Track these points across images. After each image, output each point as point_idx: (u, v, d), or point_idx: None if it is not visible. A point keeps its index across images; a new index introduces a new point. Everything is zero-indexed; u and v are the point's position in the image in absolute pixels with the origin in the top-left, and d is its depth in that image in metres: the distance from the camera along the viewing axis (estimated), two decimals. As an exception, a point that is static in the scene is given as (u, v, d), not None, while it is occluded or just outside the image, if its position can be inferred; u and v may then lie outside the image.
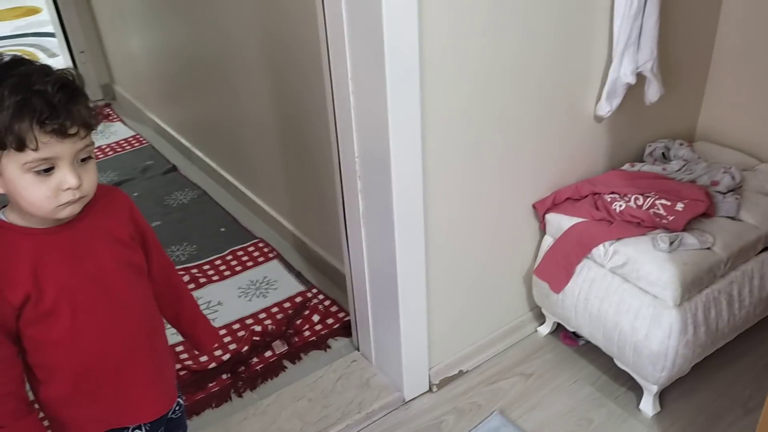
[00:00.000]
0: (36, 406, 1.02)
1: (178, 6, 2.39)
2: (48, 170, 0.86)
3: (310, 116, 1.80)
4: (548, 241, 1.62)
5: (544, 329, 1.77)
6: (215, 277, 2.09)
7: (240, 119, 2.26)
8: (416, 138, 1.30)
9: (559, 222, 1.57)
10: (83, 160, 0.89)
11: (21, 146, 0.82)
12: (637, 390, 1.54)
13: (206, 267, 2.13)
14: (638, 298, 1.43)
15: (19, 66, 0.88)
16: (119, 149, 2.93)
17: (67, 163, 0.87)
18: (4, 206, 0.96)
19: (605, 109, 1.56)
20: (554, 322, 1.74)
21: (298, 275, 2.08)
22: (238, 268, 2.13)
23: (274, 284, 2.04)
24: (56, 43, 4.31)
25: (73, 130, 0.85)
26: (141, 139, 3.03)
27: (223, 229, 2.34)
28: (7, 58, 0.90)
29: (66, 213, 0.90)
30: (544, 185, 1.61)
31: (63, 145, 0.85)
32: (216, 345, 1.24)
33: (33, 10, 5.27)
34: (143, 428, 1.08)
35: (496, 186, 1.52)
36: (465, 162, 1.43)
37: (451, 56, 1.29)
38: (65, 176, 0.87)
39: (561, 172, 1.62)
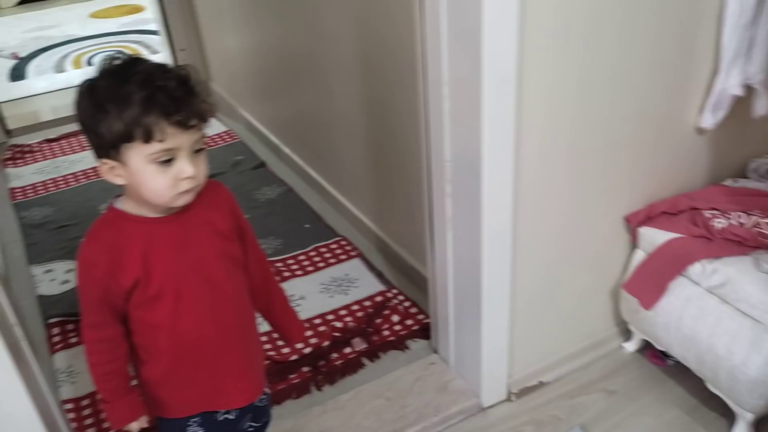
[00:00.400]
0: (136, 384, 1.09)
1: (276, 6, 2.47)
2: (168, 161, 0.91)
3: (401, 118, 1.82)
4: (640, 256, 1.56)
5: (631, 346, 1.71)
6: (299, 272, 2.15)
7: (330, 119, 2.31)
8: (510, 144, 1.29)
9: (653, 236, 1.52)
10: (197, 151, 0.94)
11: (148, 138, 0.88)
12: (730, 416, 1.47)
13: (290, 261, 2.19)
14: (737, 321, 1.36)
15: (138, 64, 0.94)
16: (212, 144, 3.05)
17: (186, 154, 0.92)
18: (118, 196, 1.02)
19: (709, 121, 1.49)
20: (641, 340, 1.68)
21: (379, 275, 2.10)
22: (320, 265, 2.18)
23: (356, 282, 2.07)
24: (157, 41, 4.54)
25: (192, 122, 0.90)
26: (233, 134, 3.15)
27: (307, 226, 2.40)
28: (125, 57, 0.95)
29: (182, 201, 0.95)
30: (638, 197, 1.55)
31: (184, 136, 0.90)
32: (304, 337, 1.28)
33: (137, 9, 5.57)
34: (232, 413, 1.13)
35: (588, 196, 1.48)
36: (558, 170, 1.41)
37: (549, 63, 1.27)
38: (184, 166, 0.92)
39: (657, 185, 1.57)
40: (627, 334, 1.72)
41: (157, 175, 0.91)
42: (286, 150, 2.80)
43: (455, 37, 1.22)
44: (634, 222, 1.55)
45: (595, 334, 1.70)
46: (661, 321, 1.51)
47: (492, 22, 1.14)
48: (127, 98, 0.87)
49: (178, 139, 0.90)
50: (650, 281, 1.50)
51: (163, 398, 1.08)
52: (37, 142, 3.21)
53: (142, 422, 1.08)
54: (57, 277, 2.18)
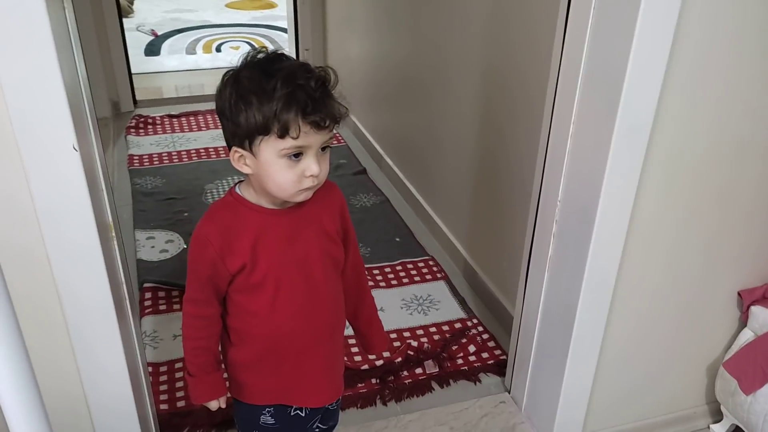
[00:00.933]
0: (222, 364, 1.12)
1: (403, 22, 2.51)
2: (297, 156, 0.93)
3: (516, 148, 1.79)
4: (747, 335, 1.46)
5: (719, 429, 1.60)
6: (382, 284, 2.15)
7: (437, 138, 2.32)
8: (630, 196, 1.24)
9: (766, 317, 1.41)
10: (323, 150, 0.96)
11: (284, 134, 0.90)
12: None
13: (376, 272, 2.20)
14: None
15: (282, 60, 0.96)
16: (318, 143, 3.13)
17: (314, 152, 0.93)
18: (240, 182, 1.06)
19: None
20: (732, 425, 1.56)
21: (462, 302, 2.07)
22: (405, 280, 2.18)
23: (437, 304, 2.06)
24: (283, 38, 4.73)
25: (326, 123, 0.92)
26: (339, 137, 3.22)
27: (398, 239, 2.40)
28: (270, 52, 0.98)
29: (302, 197, 0.97)
30: (755, 273, 1.45)
31: (316, 135, 0.92)
32: (384, 349, 1.28)
33: (270, 5, 5.83)
34: (304, 411, 1.14)
35: (701, 263, 1.40)
36: (673, 232, 1.34)
37: (684, 121, 1.22)
38: (310, 164, 0.93)
39: (780, 264, 1.46)
40: (717, 416, 1.61)
41: (285, 169, 0.93)
42: (388, 160, 2.83)
43: (592, 76, 1.19)
44: (747, 299, 1.45)
45: (682, 408, 1.60)
46: (759, 409, 1.40)
47: (637, 69, 1.10)
48: (270, 93, 0.89)
49: (311, 137, 0.91)
50: (755, 364, 1.40)
51: (244, 382, 1.11)
52: (159, 116, 3.41)
53: (222, 402, 1.10)
54: (157, 245, 2.29)
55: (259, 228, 1.01)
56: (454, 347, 1.87)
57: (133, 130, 3.25)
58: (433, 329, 1.95)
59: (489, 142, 1.96)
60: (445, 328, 1.96)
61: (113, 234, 1.17)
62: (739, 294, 1.47)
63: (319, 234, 1.06)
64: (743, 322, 1.49)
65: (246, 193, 1.02)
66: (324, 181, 1.01)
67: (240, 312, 1.05)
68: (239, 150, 0.95)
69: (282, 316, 1.03)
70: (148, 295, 2.04)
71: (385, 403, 1.69)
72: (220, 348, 1.10)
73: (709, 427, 1.62)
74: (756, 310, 1.44)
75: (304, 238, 1.04)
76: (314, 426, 1.21)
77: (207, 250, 0.99)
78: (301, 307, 1.05)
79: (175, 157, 3.00)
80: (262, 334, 1.05)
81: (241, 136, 0.94)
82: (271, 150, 0.92)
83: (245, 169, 0.97)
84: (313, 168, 0.93)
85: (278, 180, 0.94)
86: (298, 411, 1.14)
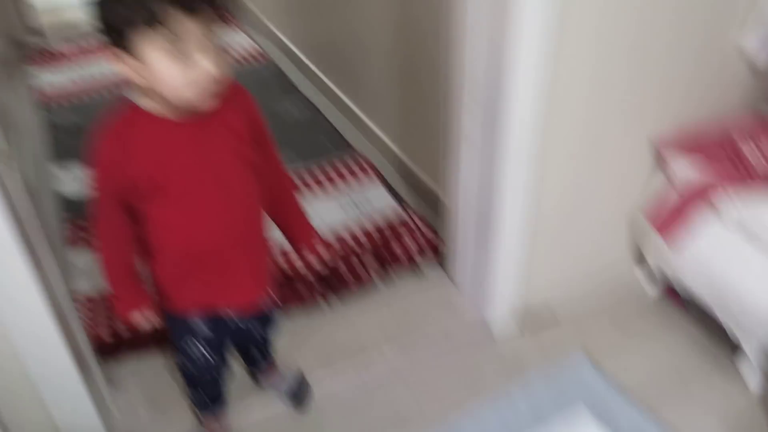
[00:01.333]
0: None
1: None
2: (185, 57, 0.88)
3: (431, 39, 1.74)
4: (661, 179, 1.49)
5: (648, 282, 1.66)
6: (314, 186, 2.12)
7: (358, 37, 2.24)
8: (539, 61, 1.21)
9: (680, 163, 1.44)
10: (217, 53, 0.90)
11: (151, 20, 0.84)
12: (748, 363, 1.42)
13: (305, 175, 2.17)
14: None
15: None
16: (241, 60, 3.00)
17: (196, 46, 0.88)
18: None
19: (754, 45, 1.37)
20: (660, 276, 1.62)
21: (397, 197, 2.07)
22: (338, 181, 2.15)
23: (372, 202, 2.05)
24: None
25: (197, 5, 0.86)
26: (262, 51, 3.08)
27: (328, 144, 2.36)
28: None
29: (204, 104, 0.93)
30: (669, 121, 1.47)
31: (190, 23, 0.86)
32: (315, 242, 1.24)
33: None
34: (235, 315, 1.15)
35: (617, 116, 1.41)
36: (587, 89, 1.34)
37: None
38: (198, 58, 0.88)
39: (691, 110, 1.48)
40: (645, 269, 1.67)
41: (171, 67, 0.88)
42: (313, 67, 2.74)
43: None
44: (662, 147, 1.47)
45: (613, 266, 1.67)
46: (685, 257, 1.45)
47: None
48: None
49: (186, 25, 0.86)
50: (671, 209, 1.44)
51: (170, 293, 1.10)
52: (69, 49, 3.20)
53: (149, 316, 1.10)
54: (77, 179, 2.19)
55: (161, 136, 0.97)
56: (393, 242, 1.87)
57: (43, 63, 3.05)
58: (370, 226, 1.94)
59: (409, 33, 1.90)
60: (382, 224, 1.95)
61: (6, 159, 1.09)
62: (652, 142, 1.48)
63: (228, 136, 1.03)
64: (660, 169, 1.51)
65: (147, 104, 0.97)
66: (229, 86, 0.97)
67: (156, 226, 1.03)
68: (125, 57, 0.89)
69: (196, 222, 1.02)
70: (78, 230, 1.97)
71: (329, 304, 1.70)
72: (141, 264, 1.08)
73: (639, 281, 1.68)
74: (670, 156, 1.46)
75: (213, 142, 1.00)
76: (253, 332, 1.21)
77: (107, 165, 0.97)
78: (216, 210, 1.03)
79: (90, 89, 2.83)
80: (178, 242, 1.03)
81: (116, 36, 0.88)
82: (151, 48, 0.87)
83: (140, 81, 0.92)
84: (204, 63, 0.88)
85: (167, 80, 0.89)
86: (229, 315, 1.14)
